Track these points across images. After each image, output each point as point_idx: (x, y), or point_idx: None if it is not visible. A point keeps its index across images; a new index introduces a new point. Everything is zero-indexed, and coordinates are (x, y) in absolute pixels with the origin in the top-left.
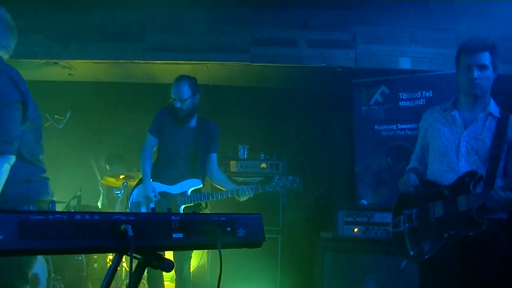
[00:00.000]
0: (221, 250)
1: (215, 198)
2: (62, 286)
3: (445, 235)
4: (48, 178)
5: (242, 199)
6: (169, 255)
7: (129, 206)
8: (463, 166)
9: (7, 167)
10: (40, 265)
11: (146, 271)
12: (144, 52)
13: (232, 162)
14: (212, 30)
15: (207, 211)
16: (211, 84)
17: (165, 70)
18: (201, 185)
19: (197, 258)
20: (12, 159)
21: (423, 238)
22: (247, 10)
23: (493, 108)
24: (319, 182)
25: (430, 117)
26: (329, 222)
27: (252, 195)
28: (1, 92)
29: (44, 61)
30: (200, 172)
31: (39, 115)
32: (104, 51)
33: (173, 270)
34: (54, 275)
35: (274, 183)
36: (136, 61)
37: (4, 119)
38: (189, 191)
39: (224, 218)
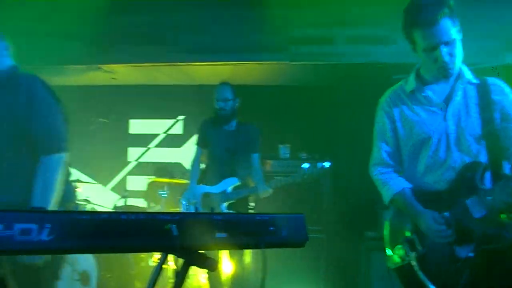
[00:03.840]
0: (264, 249)
1: (242, 196)
2: (112, 284)
3: (468, 254)
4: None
5: (262, 195)
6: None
7: (183, 208)
8: (458, 157)
9: (64, 164)
10: (90, 263)
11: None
12: (183, 54)
13: (269, 162)
14: (251, 30)
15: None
16: (251, 84)
17: (204, 71)
18: (238, 183)
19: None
20: (67, 157)
21: (438, 264)
22: (284, 9)
23: (468, 72)
24: (362, 180)
25: (395, 102)
26: (373, 221)
27: (270, 190)
28: (49, 100)
29: (87, 66)
30: (239, 171)
31: None
32: (144, 55)
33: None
34: (103, 272)
35: (300, 173)
36: (174, 63)
37: (57, 119)
38: (229, 189)
39: (267, 218)
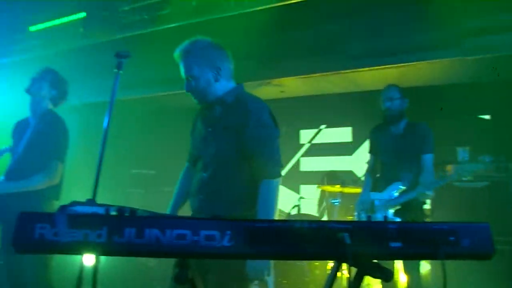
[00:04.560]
0: (444, 261)
1: (406, 200)
2: None
3: None
4: None
5: (423, 199)
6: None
7: (356, 216)
8: None
9: (279, 187)
10: None
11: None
12: (349, 61)
13: (449, 167)
14: (417, 29)
15: (428, 219)
16: (421, 86)
17: (370, 77)
18: (403, 187)
19: None
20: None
21: None
22: (452, 1)
23: None
24: None
25: None
26: None
27: (431, 193)
28: (271, 127)
29: (258, 82)
30: (404, 175)
31: None
32: (311, 66)
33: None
34: (279, 278)
35: (458, 169)
36: (342, 71)
37: (276, 149)
38: (394, 195)
39: (446, 227)
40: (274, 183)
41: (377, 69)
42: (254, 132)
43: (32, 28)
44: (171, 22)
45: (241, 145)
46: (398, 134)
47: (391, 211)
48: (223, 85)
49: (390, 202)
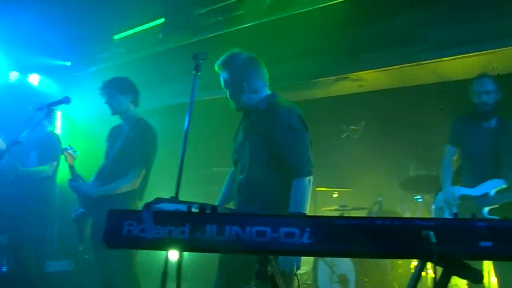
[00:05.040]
0: None
1: (508, 200)
2: None
3: None
4: None
5: None
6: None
7: (433, 211)
8: None
9: (310, 185)
10: (348, 267)
11: None
12: (430, 51)
13: None
14: (505, 12)
15: None
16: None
17: (453, 66)
18: (504, 185)
19: None
20: (312, 178)
21: None
22: None
23: None
24: None
25: None
26: None
27: None
28: (300, 129)
29: (335, 77)
30: (505, 172)
31: None
32: (389, 58)
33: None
34: (361, 277)
35: None
36: (422, 62)
37: (306, 149)
38: (492, 192)
39: None
40: (305, 181)
41: (460, 57)
42: (283, 136)
43: (116, 37)
44: (246, 22)
45: (272, 148)
46: (491, 128)
47: (486, 209)
48: (257, 94)
49: (488, 200)
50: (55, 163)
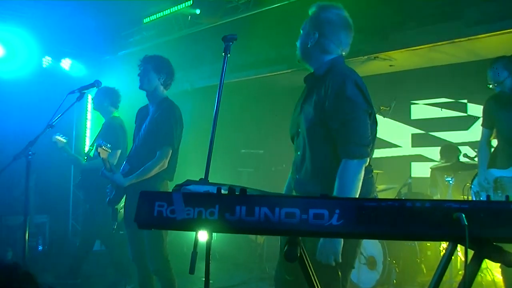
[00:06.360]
0: None
1: None
2: (397, 270)
3: None
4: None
5: None
6: None
7: (472, 195)
8: None
9: (363, 169)
10: (376, 248)
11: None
12: (464, 28)
13: None
14: None
15: None
16: None
17: (489, 43)
18: None
19: None
20: (367, 161)
21: None
22: None
23: None
24: None
25: None
26: None
27: None
28: (355, 100)
29: (365, 57)
30: None
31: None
32: (422, 37)
33: None
34: (389, 259)
35: None
36: (456, 40)
37: (360, 126)
38: None
39: None
40: (354, 165)
41: (497, 34)
42: (336, 106)
43: (146, 20)
44: (275, 2)
45: (323, 120)
46: None
47: None
48: (325, 55)
49: None
50: (118, 152)
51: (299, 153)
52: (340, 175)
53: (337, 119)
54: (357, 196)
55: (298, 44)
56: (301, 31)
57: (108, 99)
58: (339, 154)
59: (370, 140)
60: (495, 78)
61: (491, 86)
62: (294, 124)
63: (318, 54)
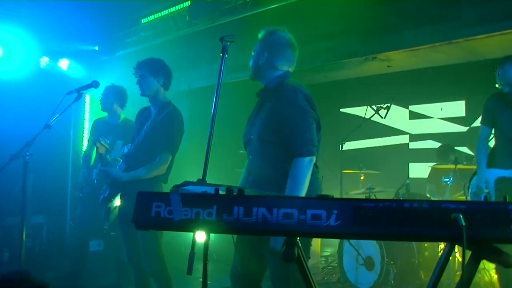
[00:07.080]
0: None
1: None
2: (395, 271)
3: None
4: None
5: None
6: None
7: (470, 195)
8: None
9: (312, 166)
10: (374, 249)
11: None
12: (463, 29)
13: None
14: None
15: None
16: None
17: (488, 44)
18: None
19: None
20: (315, 159)
21: None
22: None
23: None
24: None
25: None
26: None
27: None
28: (306, 108)
29: (363, 58)
30: None
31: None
32: (419, 37)
33: None
34: (387, 259)
35: None
36: (454, 41)
37: (310, 129)
38: None
39: None
40: (305, 161)
41: (495, 35)
42: (286, 113)
43: (144, 20)
44: (273, 3)
45: (276, 126)
46: None
47: None
48: (274, 72)
49: None
50: None
51: (251, 157)
52: (293, 170)
53: (290, 124)
54: (306, 188)
55: (250, 63)
56: (252, 53)
57: (118, 100)
58: (292, 154)
59: (317, 142)
60: (504, 79)
61: (498, 86)
62: (247, 132)
63: (268, 71)
